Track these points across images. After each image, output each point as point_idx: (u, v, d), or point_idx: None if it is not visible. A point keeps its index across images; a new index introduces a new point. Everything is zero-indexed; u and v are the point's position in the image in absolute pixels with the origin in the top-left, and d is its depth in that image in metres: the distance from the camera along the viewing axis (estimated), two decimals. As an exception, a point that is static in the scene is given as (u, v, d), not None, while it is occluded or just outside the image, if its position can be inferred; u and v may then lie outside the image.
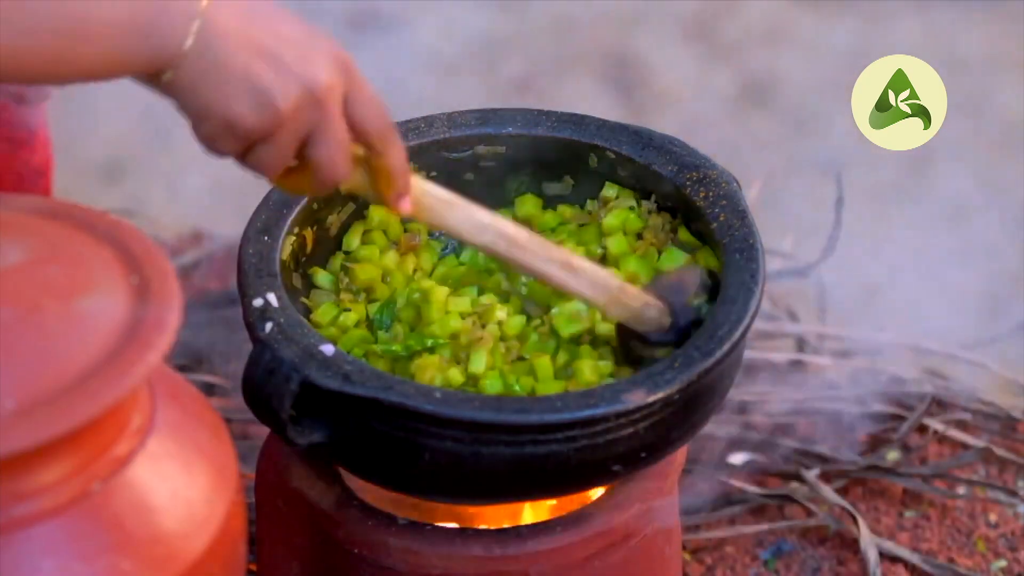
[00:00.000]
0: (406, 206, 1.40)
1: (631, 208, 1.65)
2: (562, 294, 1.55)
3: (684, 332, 1.51)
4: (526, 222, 1.63)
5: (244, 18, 1.25)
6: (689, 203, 1.62)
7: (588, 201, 1.68)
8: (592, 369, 1.55)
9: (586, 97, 3.41)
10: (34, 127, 1.97)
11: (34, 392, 1.17)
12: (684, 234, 1.63)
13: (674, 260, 1.61)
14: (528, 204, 1.68)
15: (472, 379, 1.54)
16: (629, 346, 1.55)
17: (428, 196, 1.44)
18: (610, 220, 1.64)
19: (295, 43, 1.26)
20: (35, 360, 1.19)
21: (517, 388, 1.54)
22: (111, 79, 1.23)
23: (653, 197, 1.65)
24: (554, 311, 1.58)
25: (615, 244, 1.63)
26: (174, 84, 1.24)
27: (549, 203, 1.70)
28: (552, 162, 1.68)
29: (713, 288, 1.54)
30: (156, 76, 1.24)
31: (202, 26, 1.23)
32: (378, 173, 1.37)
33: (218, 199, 3.11)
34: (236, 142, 1.28)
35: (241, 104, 1.24)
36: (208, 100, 1.25)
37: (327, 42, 1.29)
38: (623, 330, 1.55)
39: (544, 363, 1.55)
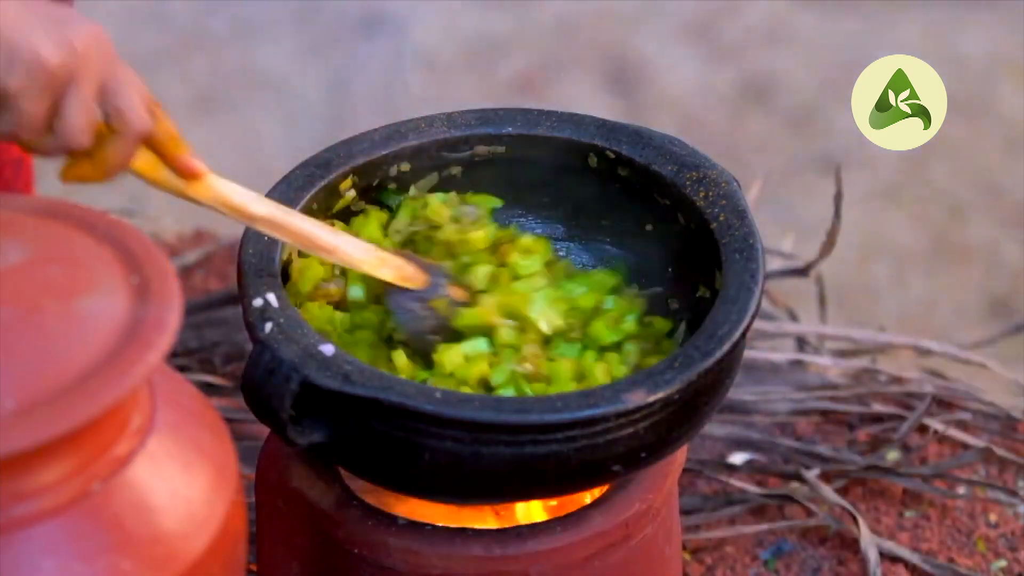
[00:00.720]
0: (197, 163, 1.45)
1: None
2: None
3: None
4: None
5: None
6: (689, 203, 1.62)
7: None
8: (605, 372, 1.55)
9: (586, 97, 3.41)
10: None
11: (34, 392, 1.17)
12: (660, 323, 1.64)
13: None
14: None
15: (488, 388, 1.54)
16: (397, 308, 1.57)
17: (218, 182, 1.49)
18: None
19: (56, 19, 1.34)
20: (35, 360, 1.19)
21: (528, 391, 1.53)
22: None
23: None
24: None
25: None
26: None
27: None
28: (552, 162, 1.68)
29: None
30: None
31: None
32: (161, 145, 1.43)
33: (218, 199, 3.10)
34: None
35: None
36: None
37: (89, 24, 1.36)
38: (392, 289, 1.57)
39: (566, 367, 1.55)
